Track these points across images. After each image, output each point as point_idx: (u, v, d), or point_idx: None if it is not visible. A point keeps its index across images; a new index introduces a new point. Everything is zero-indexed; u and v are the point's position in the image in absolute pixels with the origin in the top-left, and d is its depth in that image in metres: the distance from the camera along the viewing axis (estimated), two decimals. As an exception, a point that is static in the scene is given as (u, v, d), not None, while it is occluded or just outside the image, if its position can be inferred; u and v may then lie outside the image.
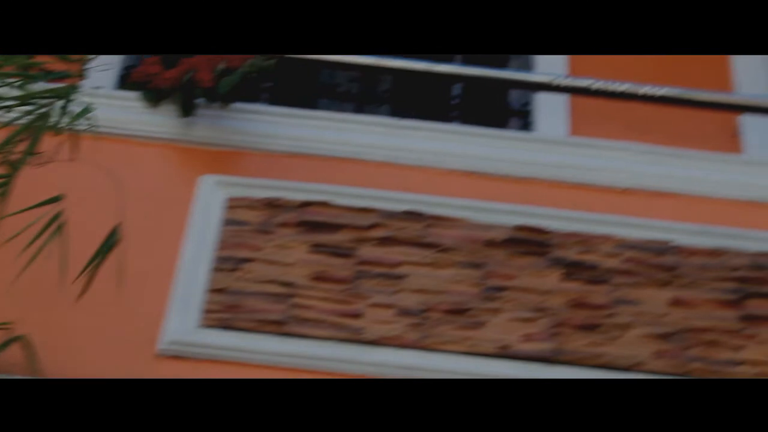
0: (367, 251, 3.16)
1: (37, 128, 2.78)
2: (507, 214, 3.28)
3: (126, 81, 3.94)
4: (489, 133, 3.63)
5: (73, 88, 2.88)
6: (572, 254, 3.20)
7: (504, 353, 3.01)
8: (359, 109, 4.14)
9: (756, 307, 3.15)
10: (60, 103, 2.83)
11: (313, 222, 3.22)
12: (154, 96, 3.56)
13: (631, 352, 3.03)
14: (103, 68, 3.73)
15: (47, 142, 2.77)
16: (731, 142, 4.56)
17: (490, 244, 3.20)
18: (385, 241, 3.19)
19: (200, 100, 3.54)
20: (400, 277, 3.12)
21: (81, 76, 2.96)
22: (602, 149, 3.55)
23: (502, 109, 4.78)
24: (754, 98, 3.89)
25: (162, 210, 3.31)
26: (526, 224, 3.25)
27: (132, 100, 3.58)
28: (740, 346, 3.07)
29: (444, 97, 4.70)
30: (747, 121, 4.60)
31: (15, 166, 2.74)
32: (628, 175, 3.47)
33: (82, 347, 2.99)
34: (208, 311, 3.04)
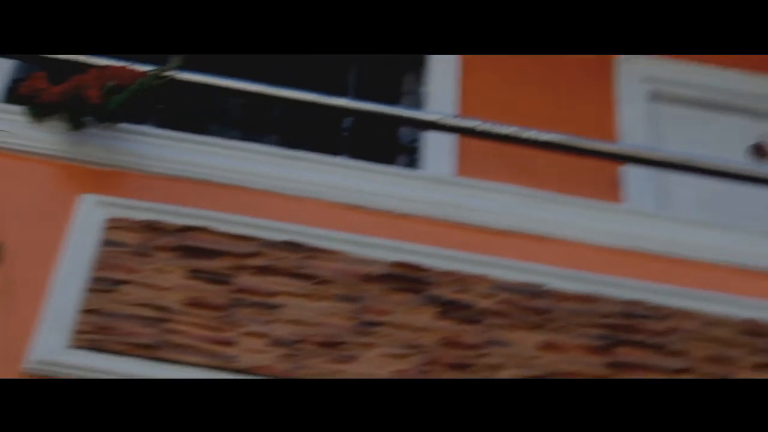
0: (244, 279, 3.16)
1: None
2: (386, 250, 3.30)
3: (12, 94, 3.91)
4: (374, 168, 3.65)
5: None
6: (448, 293, 3.23)
7: (374, 388, 3.02)
8: (248, 136, 4.14)
9: (624, 354, 3.20)
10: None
11: (191, 247, 3.21)
12: (40, 111, 3.52)
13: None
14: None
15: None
16: (612, 191, 4.65)
17: (367, 278, 3.22)
18: (262, 270, 3.19)
19: (88, 118, 3.52)
20: (275, 306, 3.12)
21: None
22: (484, 190, 3.59)
23: (391, 145, 4.82)
24: (635, 149, 3.99)
25: (39, 227, 3.26)
26: (404, 261, 3.27)
27: (18, 114, 3.54)
28: (606, 393, 3.11)
29: (334, 129, 4.73)
30: (628, 170, 4.70)
31: None
32: (508, 218, 3.51)
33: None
34: (78, 332, 3.01)
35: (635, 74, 5.11)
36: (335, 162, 3.62)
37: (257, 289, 3.15)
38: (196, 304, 3.09)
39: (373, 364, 3.06)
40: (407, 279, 3.24)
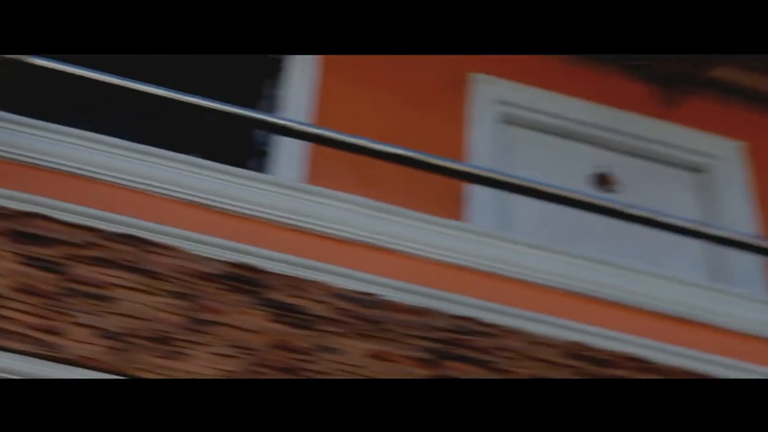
0: (78, 269, 3.14)
1: None
2: (224, 250, 3.31)
3: None
4: (221, 168, 3.66)
5: None
6: (282, 297, 3.25)
7: (201, 386, 3.03)
8: (100, 128, 4.11)
9: (451, 368, 3.26)
10: None
11: (26, 233, 3.17)
12: None
13: (326, 398, 3.09)
14: None
15: None
16: (455, 208, 4.73)
17: (203, 277, 3.23)
18: (97, 262, 3.17)
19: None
20: (107, 298, 3.10)
21: None
22: (329, 198, 3.63)
23: (244, 147, 4.83)
24: (479, 169, 4.05)
25: None
26: (241, 262, 3.29)
27: None
28: (430, 404, 3.17)
29: (188, 127, 4.72)
30: (473, 190, 4.79)
31: None
32: (349, 227, 3.55)
33: None
34: None
35: (489, 96, 5.21)
36: (182, 159, 3.62)
37: (90, 280, 3.13)
38: (26, 290, 3.05)
39: (202, 363, 3.06)
40: (243, 280, 3.26)
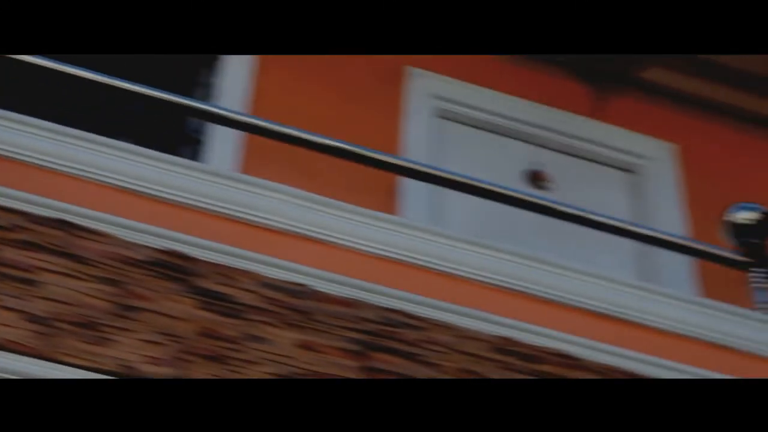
0: (4, 252, 3.10)
1: None
2: (154, 237, 3.29)
3: None
4: (153, 155, 3.62)
5: None
6: (211, 285, 3.24)
7: (126, 373, 3.01)
8: (27, 110, 4.07)
9: (379, 360, 3.27)
10: None
11: (-49, 215, 3.14)
12: None
13: (253, 388, 3.08)
14: None
15: None
16: (388, 202, 4.75)
17: (132, 263, 3.20)
18: (25, 245, 3.14)
19: None
20: (33, 282, 3.07)
21: None
22: (262, 188, 3.61)
23: (178, 135, 4.81)
24: (412, 163, 4.07)
25: None
26: (171, 248, 3.27)
27: None
28: (357, 396, 3.17)
29: (122, 113, 4.69)
30: (407, 183, 4.81)
31: None
32: (281, 218, 3.54)
33: None
34: None
35: (425, 90, 5.23)
36: (114, 145, 3.59)
37: (17, 264, 3.09)
38: (-50, 273, 3.02)
39: (129, 349, 3.04)
40: (172, 267, 3.24)
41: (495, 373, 3.36)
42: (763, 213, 4.18)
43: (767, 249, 4.19)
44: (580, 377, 3.44)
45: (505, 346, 3.43)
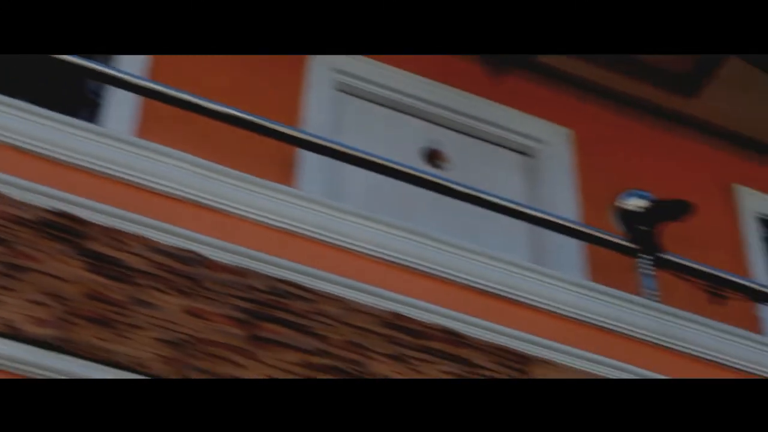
0: None
1: None
2: (44, 197, 3.25)
3: None
4: (49, 115, 3.57)
5: None
6: (100, 247, 3.21)
7: (11, 333, 2.98)
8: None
9: (266, 330, 3.27)
10: None
11: None
12: None
13: (138, 352, 3.07)
14: None
15: None
16: (286, 173, 4.74)
17: (20, 222, 3.16)
18: None
19: None
20: None
21: None
22: (157, 153, 3.58)
23: (77, 96, 4.75)
24: (309, 136, 4.07)
25: None
26: (61, 209, 3.24)
27: None
28: (243, 365, 3.18)
29: (20, 72, 4.62)
30: (305, 156, 4.80)
31: None
32: (175, 184, 3.52)
33: None
34: None
35: (326, 64, 5.23)
36: (7, 102, 3.53)
37: None
38: None
39: (14, 309, 3.01)
40: (61, 228, 3.21)
41: (382, 348, 3.39)
42: (653, 201, 4.25)
43: (655, 236, 4.27)
44: (465, 355, 3.48)
45: (393, 321, 3.46)
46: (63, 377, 2.97)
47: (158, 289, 3.20)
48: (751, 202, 5.85)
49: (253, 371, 3.17)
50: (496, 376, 3.49)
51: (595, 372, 3.67)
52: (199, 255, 3.32)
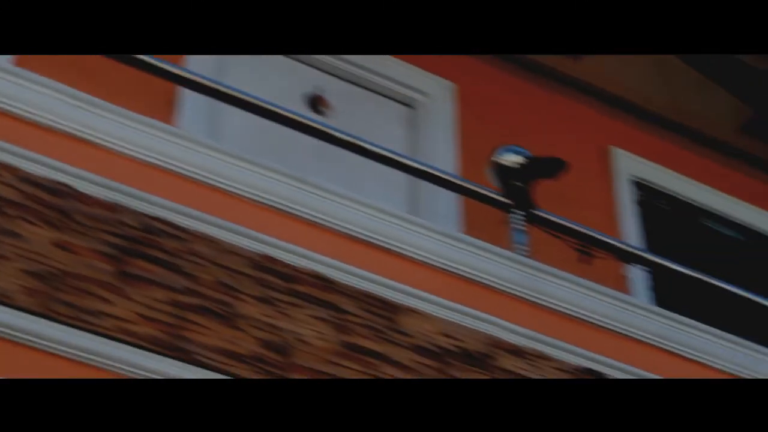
0: None
1: None
2: None
3: None
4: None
5: None
6: (-32, 176, 3.17)
7: None
8: None
9: (136, 266, 3.27)
10: None
11: None
12: None
13: (3, 283, 3.04)
14: None
15: None
16: (167, 112, 4.71)
17: None
18: None
19: None
20: None
21: None
22: (32, 82, 3.53)
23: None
24: (193, 75, 4.05)
25: None
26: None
27: None
28: (110, 301, 3.17)
29: None
30: (188, 96, 4.77)
31: None
32: (50, 114, 3.48)
33: None
34: None
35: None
36: None
37: None
38: None
39: None
40: (-73, 155, 3.16)
41: (251, 290, 3.41)
42: (528, 157, 4.32)
43: (529, 193, 4.34)
44: (333, 300, 3.52)
45: (264, 264, 3.48)
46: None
47: (27, 220, 3.17)
48: (627, 164, 5.97)
49: (120, 307, 3.17)
50: (364, 322, 3.54)
51: (459, 322, 3.73)
52: (71, 188, 3.30)
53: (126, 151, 3.54)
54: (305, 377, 3.32)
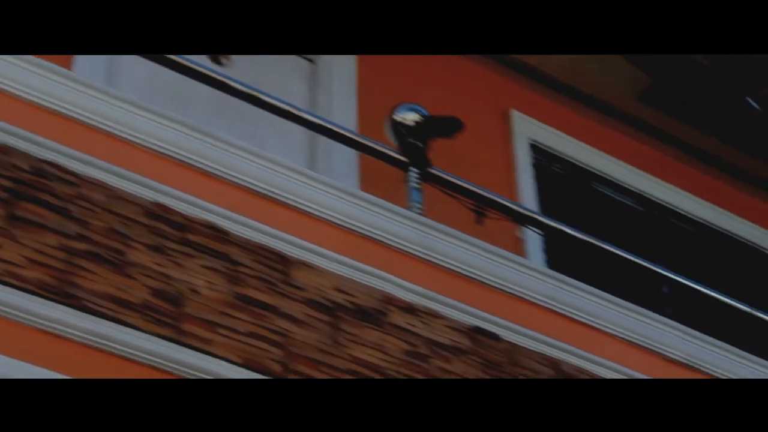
0: None
1: None
2: None
3: None
4: None
5: None
6: None
7: None
8: None
9: (25, 210, 3.22)
10: None
11: None
12: None
13: None
14: None
15: None
16: (65, 59, 4.61)
17: None
18: None
19: None
20: None
21: None
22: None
23: None
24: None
25: None
26: None
27: None
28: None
29: None
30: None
31: None
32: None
33: None
34: None
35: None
36: None
37: None
38: None
39: None
40: None
41: (143, 238, 3.38)
42: (425, 116, 4.33)
43: (426, 151, 4.36)
44: (226, 251, 3.51)
45: (157, 212, 3.45)
46: None
47: None
48: (525, 128, 6.02)
49: (9, 251, 3.13)
50: (257, 275, 3.53)
51: (353, 277, 3.74)
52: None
53: (19, 93, 3.48)
54: (197, 327, 3.31)
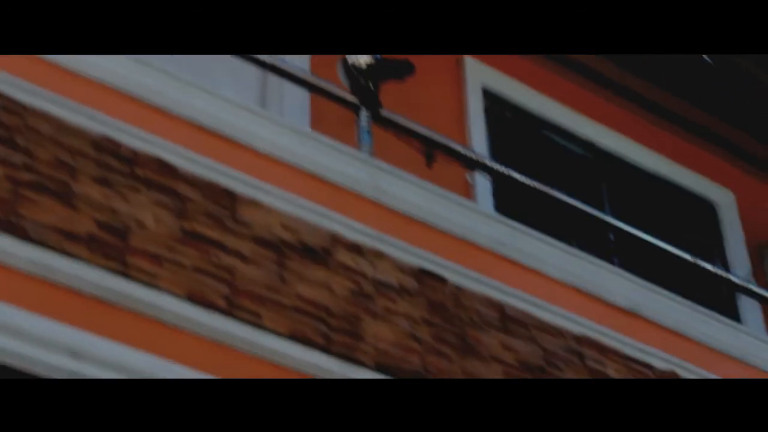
0: None
1: None
2: None
3: None
4: None
5: None
6: None
7: None
8: None
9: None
10: None
11: None
12: None
13: None
14: None
15: None
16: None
17: None
18: None
19: None
20: None
21: None
22: None
23: None
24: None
25: None
26: None
27: None
28: None
29: None
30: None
31: None
32: None
33: None
34: None
35: None
36: None
37: None
38: None
39: None
40: None
41: (90, 170, 3.36)
42: (376, 58, 4.33)
43: (377, 93, 4.36)
44: (174, 186, 3.49)
45: (105, 145, 3.43)
46: None
47: None
48: (479, 73, 6.02)
49: None
50: (204, 210, 3.52)
51: (300, 216, 3.74)
52: None
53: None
54: (142, 261, 3.30)
